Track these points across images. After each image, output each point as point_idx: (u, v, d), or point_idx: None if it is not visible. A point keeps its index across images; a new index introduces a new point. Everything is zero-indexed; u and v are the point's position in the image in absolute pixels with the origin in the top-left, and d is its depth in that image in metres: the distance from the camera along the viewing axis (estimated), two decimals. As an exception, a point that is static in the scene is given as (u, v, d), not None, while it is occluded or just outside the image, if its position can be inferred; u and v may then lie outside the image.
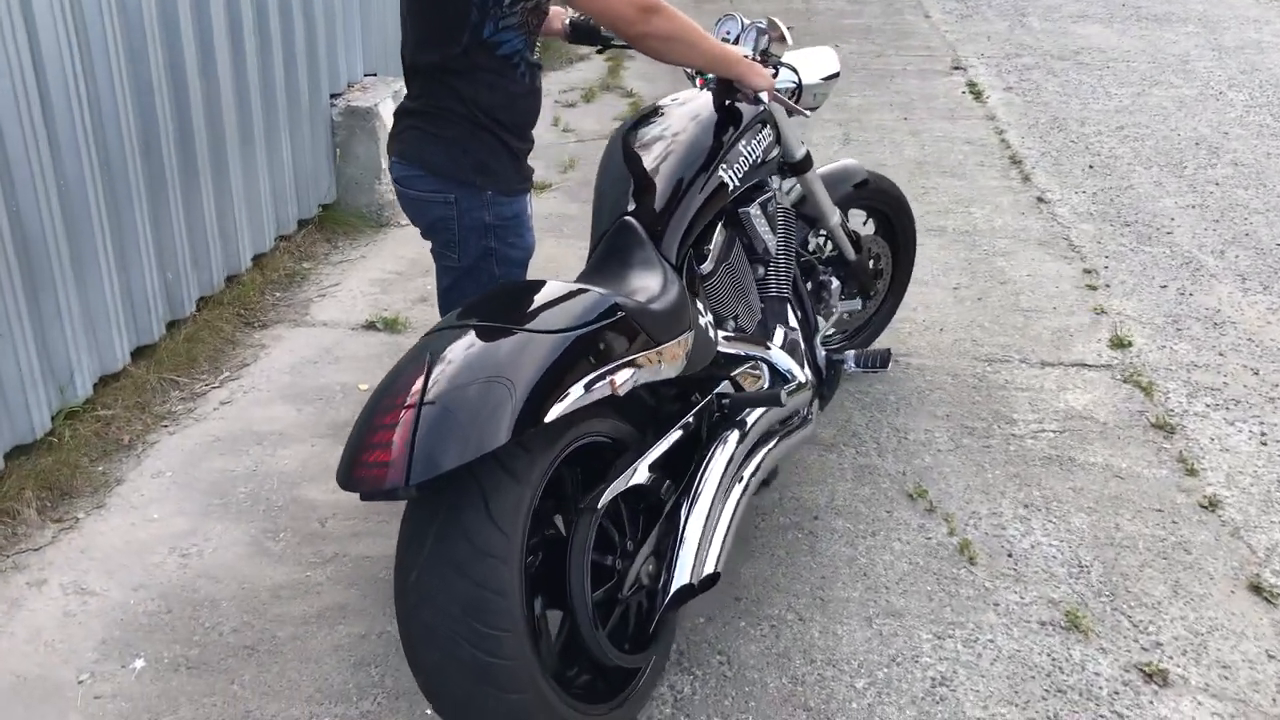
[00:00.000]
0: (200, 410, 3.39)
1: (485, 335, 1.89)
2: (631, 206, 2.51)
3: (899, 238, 3.64)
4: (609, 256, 2.48)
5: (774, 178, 2.94)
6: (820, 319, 3.47)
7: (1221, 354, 3.72)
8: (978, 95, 6.82)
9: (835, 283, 3.34)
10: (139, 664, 2.43)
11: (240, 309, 3.92)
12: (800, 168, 3.06)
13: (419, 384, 1.80)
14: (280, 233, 4.34)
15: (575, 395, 1.90)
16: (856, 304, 3.37)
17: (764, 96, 2.54)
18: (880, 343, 3.79)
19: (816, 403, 2.85)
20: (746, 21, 2.91)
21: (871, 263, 3.52)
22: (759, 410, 2.45)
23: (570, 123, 6.53)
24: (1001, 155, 5.79)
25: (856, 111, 6.76)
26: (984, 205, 5.14)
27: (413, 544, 1.85)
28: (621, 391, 2.00)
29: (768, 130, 2.76)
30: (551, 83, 7.20)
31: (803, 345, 2.91)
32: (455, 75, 2.24)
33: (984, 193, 5.30)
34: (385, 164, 4.73)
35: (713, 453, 2.29)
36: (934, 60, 7.74)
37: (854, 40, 8.79)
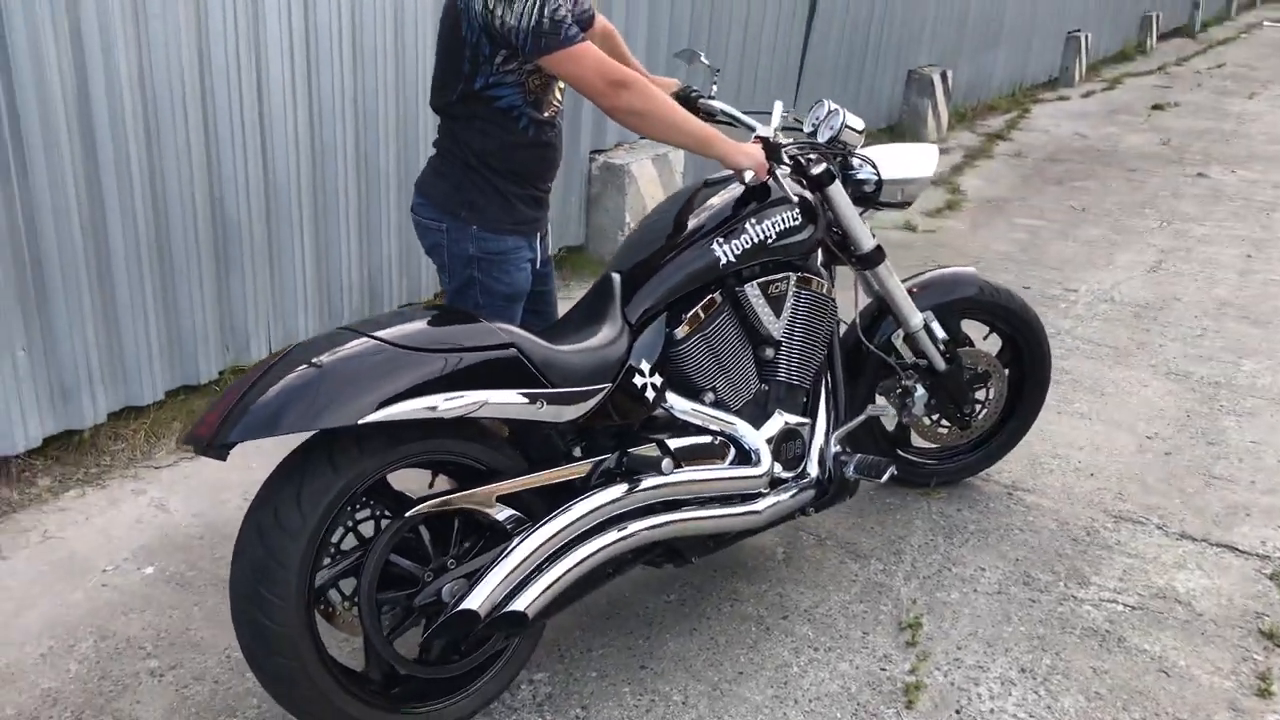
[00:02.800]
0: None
1: (349, 341, 2.08)
2: (624, 263, 2.59)
3: (1025, 364, 3.31)
4: (580, 305, 2.58)
5: (814, 265, 2.84)
6: (910, 427, 3.28)
7: None
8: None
9: (920, 391, 3.13)
10: (149, 570, 2.89)
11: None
12: (868, 260, 2.93)
13: (269, 367, 2.04)
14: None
15: (408, 408, 2.02)
16: (885, 409, 3.08)
17: (746, 177, 2.50)
18: (1007, 474, 3.47)
19: (788, 495, 2.68)
20: (834, 108, 2.89)
21: (979, 383, 3.24)
22: (671, 476, 2.41)
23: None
24: (1325, 310, 4.95)
25: (1195, 240, 6.09)
26: (1264, 360, 4.45)
27: (250, 506, 2.10)
28: (474, 416, 2.09)
29: (790, 215, 2.67)
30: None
31: (808, 438, 2.78)
32: (454, 120, 2.45)
33: (1276, 348, 4.58)
34: (629, 217, 5.08)
35: (580, 498, 2.30)
36: (1326, 200, 6.73)
37: (1258, 167, 7.88)
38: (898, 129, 8.22)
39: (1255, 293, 5.26)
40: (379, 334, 2.08)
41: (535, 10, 2.21)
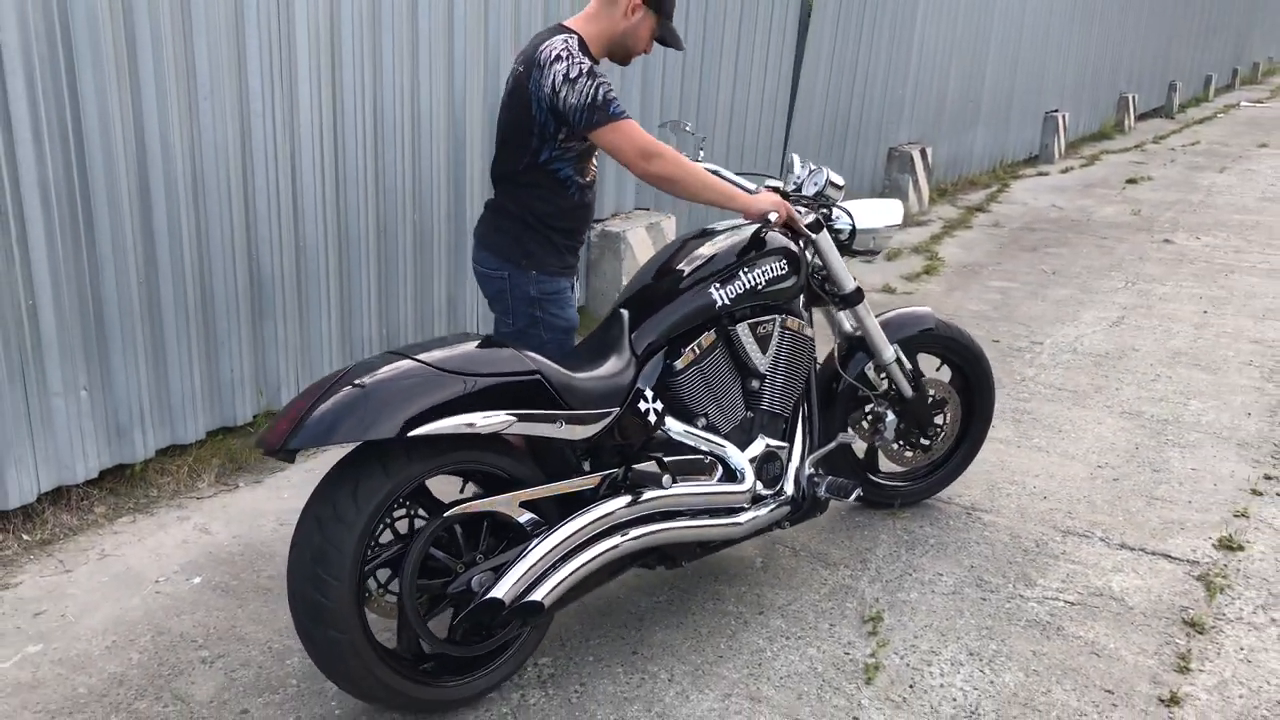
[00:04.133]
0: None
1: (399, 364, 2.42)
2: (632, 300, 2.98)
3: (973, 392, 3.70)
4: (593, 336, 2.97)
5: (801, 308, 3.21)
6: (880, 451, 3.65)
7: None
8: (1298, 298, 6.27)
9: (890, 416, 3.52)
10: (197, 580, 3.25)
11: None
12: (849, 301, 3.33)
13: (330, 384, 2.37)
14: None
15: (448, 424, 2.37)
16: (852, 437, 3.45)
17: (771, 218, 2.89)
18: (967, 497, 3.83)
19: (766, 510, 3.04)
20: (815, 167, 3.32)
21: (937, 410, 3.62)
22: (669, 490, 2.78)
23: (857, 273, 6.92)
24: None
25: (1156, 299, 6.50)
26: (1209, 401, 4.83)
27: (307, 502, 2.45)
28: (503, 432, 2.45)
29: (778, 265, 3.07)
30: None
31: (785, 460, 3.15)
32: (517, 186, 2.88)
33: (1222, 390, 4.96)
34: (625, 281, 5.51)
35: (591, 506, 2.66)
36: (1281, 260, 7.17)
37: (1222, 234, 8.35)
38: (881, 202, 8.71)
39: (1208, 343, 5.66)
40: (423, 357, 2.44)
41: (591, 91, 2.67)
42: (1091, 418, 4.62)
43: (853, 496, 3.18)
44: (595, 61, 2.77)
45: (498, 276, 2.93)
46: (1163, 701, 2.75)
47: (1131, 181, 10.80)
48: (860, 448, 3.64)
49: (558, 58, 2.70)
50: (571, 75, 2.68)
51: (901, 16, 8.34)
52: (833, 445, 3.37)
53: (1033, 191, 10.19)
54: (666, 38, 2.93)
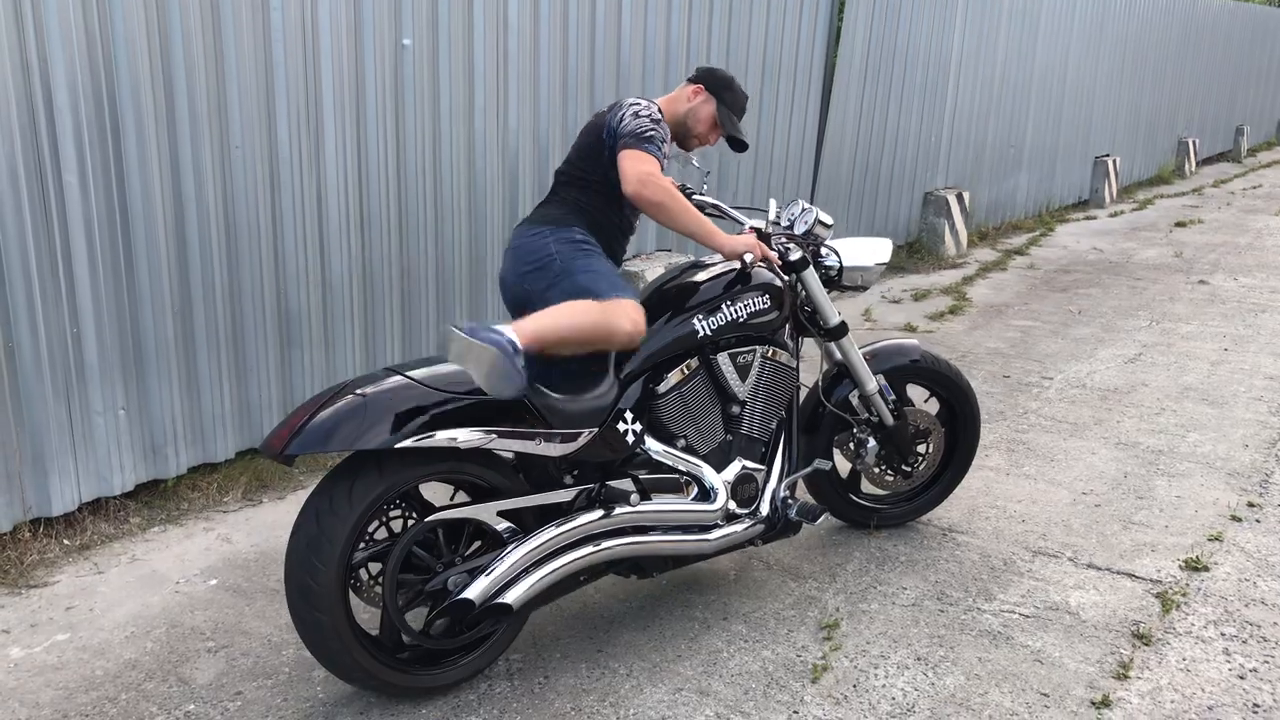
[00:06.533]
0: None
1: (394, 380, 2.70)
2: None
3: (958, 422, 3.87)
4: (580, 357, 3.22)
5: (782, 339, 3.40)
6: (862, 474, 3.83)
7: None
8: (1319, 335, 6.28)
9: (872, 443, 3.71)
10: (213, 582, 3.56)
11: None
12: (834, 333, 3.53)
13: (336, 393, 2.66)
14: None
15: (434, 439, 2.63)
16: (827, 464, 3.62)
17: (746, 258, 3.12)
18: (946, 520, 3.99)
19: (740, 528, 3.23)
20: (806, 206, 3.54)
21: (920, 439, 3.80)
22: (638, 506, 3.00)
23: (883, 313, 7.11)
24: None
25: (1179, 337, 6.57)
26: (1209, 433, 4.91)
27: (310, 496, 2.73)
28: (484, 447, 2.70)
29: (760, 300, 3.25)
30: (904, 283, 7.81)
31: (762, 482, 3.34)
32: (582, 187, 3.20)
33: (1225, 423, 5.04)
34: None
35: (568, 517, 2.90)
36: (1311, 299, 7.16)
37: (1261, 275, 8.35)
38: (915, 245, 8.88)
39: (1221, 379, 5.71)
40: (417, 375, 2.71)
41: (643, 127, 3.02)
42: (1086, 448, 4.73)
43: (819, 520, 3.36)
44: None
45: (538, 233, 3.12)
46: (1094, 704, 2.88)
47: (1180, 225, 10.78)
48: (844, 468, 3.83)
49: (634, 103, 3.09)
50: (639, 113, 3.06)
51: (935, 70, 8.55)
52: (808, 470, 3.55)
53: (1076, 235, 10.25)
54: (722, 121, 3.29)
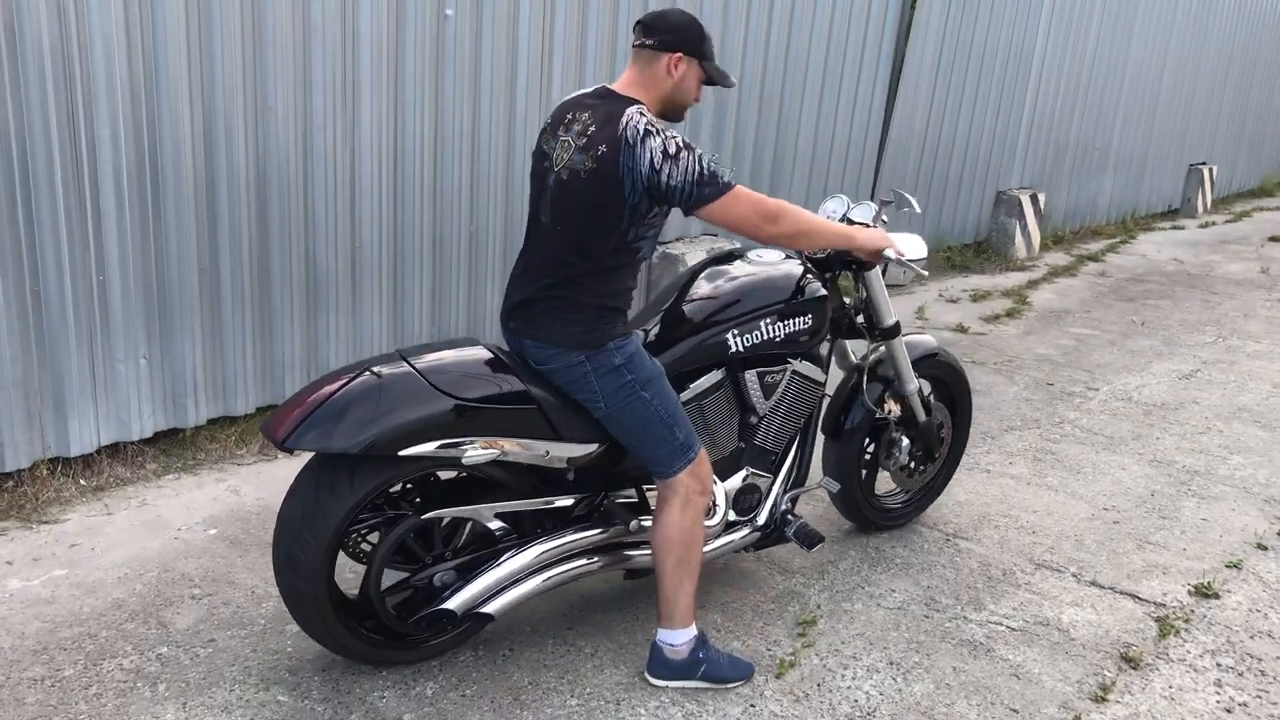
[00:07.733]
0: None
1: (405, 376, 2.62)
2: (650, 327, 3.01)
3: (956, 408, 3.80)
4: None
5: (814, 357, 3.25)
6: (887, 473, 3.75)
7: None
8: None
9: (905, 441, 3.64)
10: (212, 531, 3.65)
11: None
12: (888, 334, 3.45)
13: (342, 382, 2.61)
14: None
15: (443, 452, 2.59)
16: (835, 485, 3.50)
17: (890, 254, 3.02)
18: (953, 525, 3.89)
19: (735, 537, 3.18)
20: (852, 205, 3.38)
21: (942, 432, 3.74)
22: (637, 523, 2.96)
23: (936, 313, 6.96)
24: (1335, 418, 5.13)
25: (1244, 355, 6.31)
26: (1254, 457, 4.70)
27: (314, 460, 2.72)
28: (487, 457, 2.67)
29: (801, 321, 3.11)
30: (966, 283, 7.64)
31: (765, 491, 3.25)
32: (598, 270, 2.65)
33: (1274, 449, 4.82)
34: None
35: (559, 532, 2.88)
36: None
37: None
38: (983, 245, 8.66)
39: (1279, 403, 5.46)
40: (433, 377, 2.59)
41: (696, 165, 2.50)
42: (1117, 462, 4.58)
43: (814, 549, 3.25)
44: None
45: (575, 364, 2.70)
46: (1064, 725, 2.79)
47: (1275, 239, 10.34)
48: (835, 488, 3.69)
49: (647, 133, 2.50)
50: (671, 151, 2.50)
51: (1015, 66, 8.30)
52: (810, 488, 3.43)
53: (1159, 245, 9.89)
54: (714, 77, 2.73)
